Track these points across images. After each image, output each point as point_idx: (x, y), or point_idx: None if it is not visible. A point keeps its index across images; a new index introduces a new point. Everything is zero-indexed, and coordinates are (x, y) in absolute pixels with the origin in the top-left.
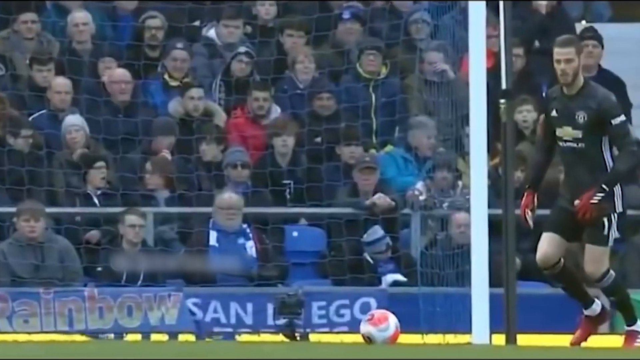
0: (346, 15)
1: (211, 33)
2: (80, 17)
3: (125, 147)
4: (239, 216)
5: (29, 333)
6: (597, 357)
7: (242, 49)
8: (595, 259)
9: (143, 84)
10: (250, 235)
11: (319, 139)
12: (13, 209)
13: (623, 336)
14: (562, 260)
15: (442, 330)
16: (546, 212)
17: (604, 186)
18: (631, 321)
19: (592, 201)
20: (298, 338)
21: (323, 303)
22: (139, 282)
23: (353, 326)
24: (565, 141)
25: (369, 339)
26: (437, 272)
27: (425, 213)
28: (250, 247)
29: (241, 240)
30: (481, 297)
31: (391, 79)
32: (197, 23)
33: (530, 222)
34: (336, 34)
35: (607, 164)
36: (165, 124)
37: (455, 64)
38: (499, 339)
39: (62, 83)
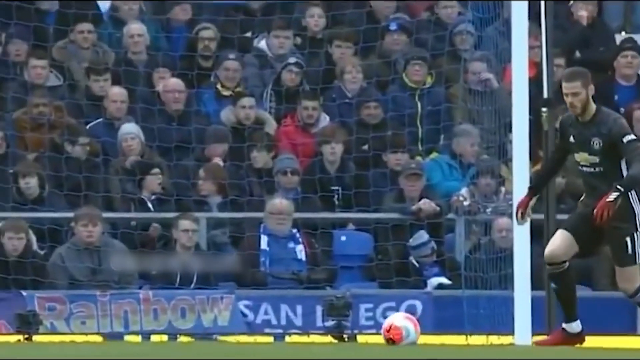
0: (393, 26)
1: (262, 44)
2: (136, 29)
3: (179, 154)
4: (289, 221)
5: (85, 334)
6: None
7: (292, 60)
8: (627, 278)
9: (196, 93)
10: (300, 239)
11: (366, 147)
12: (71, 214)
13: None
14: (567, 263)
15: (485, 332)
16: None
17: (619, 187)
18: None
19: (608, 199)
20: (346, 339)
21: (370, 305)
22: (193, 285)
23: None
24: (583, 166)
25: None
26: (481, 275)
27: (469, 218)
28: (300, 251)
29: (291, 245)
30: (523, 299)
31: (436, 88)
32: (248, 34)
33: (521, 222)
34: (383, 44)
35: None
36: (218, 131)
37: (499, 73)
38: None
39: (118, 92)
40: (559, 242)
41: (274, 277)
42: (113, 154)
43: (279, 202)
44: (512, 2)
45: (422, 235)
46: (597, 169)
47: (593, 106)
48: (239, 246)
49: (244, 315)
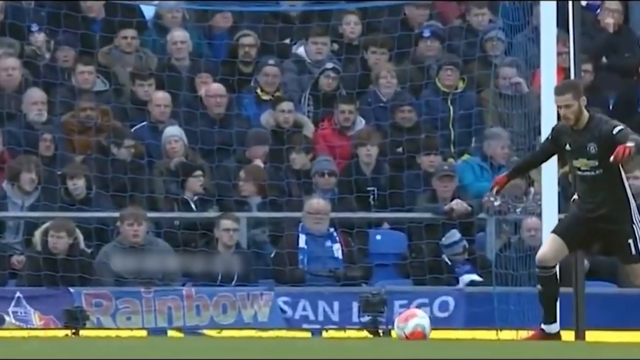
0: (426, 33)
1: (300, 50)
2: (179, 36)
3: (220, 156)
4: (327, 220)
5: (131, 329)
6: None
7: (329, 65)
8: (638, 275)
9: (237, 98)
10: (337, 238)
11: (400, 149)
12: (116, 214)
13: None
14: (556, 268)
15: (515, 327)
16: None
17: (629, 142)
18: None
19: (627, 144)
20: (381, 334)
21: (404, 301)
22: (234, 282)
23: (432, 323)
24: (584, 171)
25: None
26: (511, 273)
27: (500, 218)
28: (337, 249)
29: (328, 243)
30: None
31: (468, 93)
32: (287, 41)
33: (495, 197)
34: (417, 51)
35: (624, 184)
36: (259, 134)
37: (528, 78)
38: (569, 335)
39: (161, 97)
40: (549, 247)
41: (311, 275)
42: (157, 156)
43: (316, 202)
44: (541, 10)
45: (455, 234)
46: (597, 172)
47: (586, 114)
48: (278, 245)
49: (283, 311)
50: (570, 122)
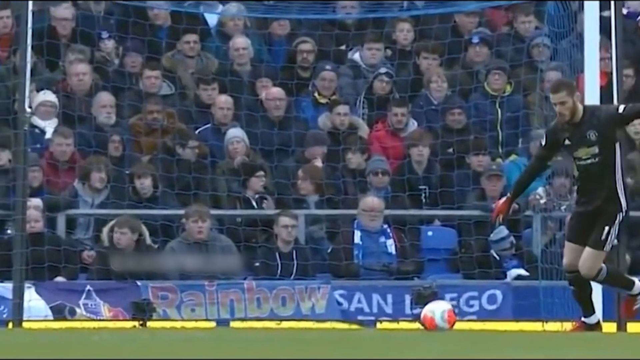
0: (475, 39)
1: (356, 56)
2: (241, 42)
3: (280, 156)
4: (381, 217)
5: (195, 320)
6: None
7: (383, 70)
8: (589, 265)
9: (296, 101)
10: (391, 234)
11: (451, 150)
12: (181, 212)
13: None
14: None
15: (560, 319)
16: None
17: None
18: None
19: None
20: None
21: (454, 295)
22: (292, 276)
23: (481, 315)
24: (586, 159)
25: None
26: (556, 268)
27: (545, 215)
28: (390, 245)
29: (382, 239)
30: (595, 289)
31: (515, 96)
32: (343, 47)
33: (501, 224)
34: (466, 56)
35: (617, 169)
36: (317, 135)
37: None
38: (611, 327)
39: (224, 100)
40: (570, 255)
41: (366, 269)
42: (220, 156)
43: (371, 200)
44: (585, 18)
45: (502, 231)
46: (597, 159)
47: (580, 108)
48: (335, 240)
49: (339, 303)
50: (565, 118)
